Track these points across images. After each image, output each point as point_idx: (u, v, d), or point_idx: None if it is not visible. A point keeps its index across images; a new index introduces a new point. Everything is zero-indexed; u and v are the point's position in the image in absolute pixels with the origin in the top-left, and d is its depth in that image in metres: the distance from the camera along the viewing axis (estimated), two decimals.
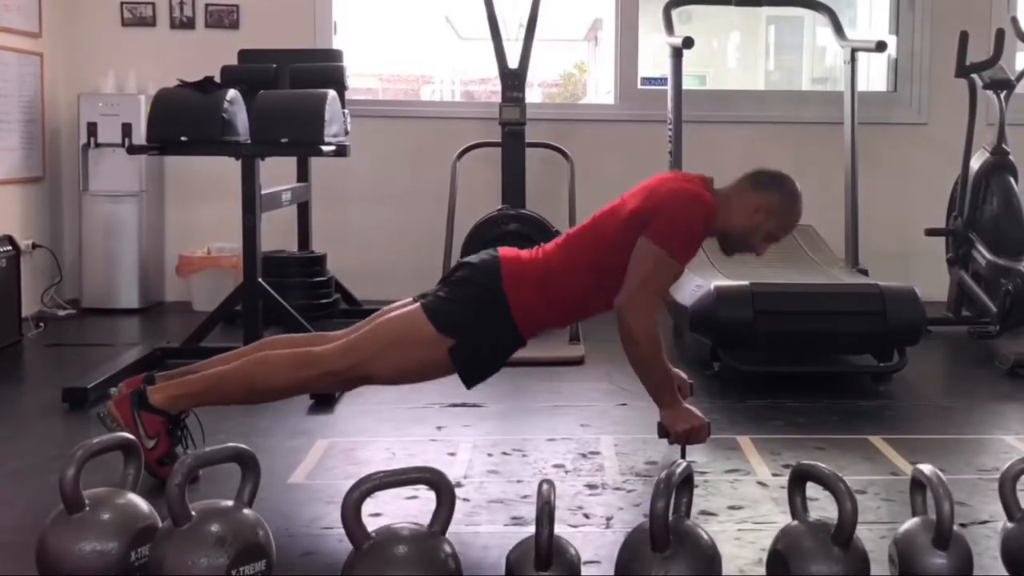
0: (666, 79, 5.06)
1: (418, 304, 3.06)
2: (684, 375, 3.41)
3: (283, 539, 2.36)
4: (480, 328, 3.02)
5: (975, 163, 5.37)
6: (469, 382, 3.10)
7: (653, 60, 6.50)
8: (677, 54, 4.92)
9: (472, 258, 3.18)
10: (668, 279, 3.15)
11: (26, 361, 4.73)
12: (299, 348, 3.08)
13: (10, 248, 4.92)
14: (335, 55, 5.68)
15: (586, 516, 2.77)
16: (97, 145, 5.72)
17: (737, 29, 8.47)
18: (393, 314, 3.10)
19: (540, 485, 2.14)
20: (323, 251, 5.69)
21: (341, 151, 4.85)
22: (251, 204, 4.44)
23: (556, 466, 3.19)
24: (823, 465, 2.26)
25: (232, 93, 4.41)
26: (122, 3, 6.09)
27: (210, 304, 5.05)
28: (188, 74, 4.58)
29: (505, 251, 3.16)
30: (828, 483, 2.21)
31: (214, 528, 2.12)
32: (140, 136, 5.40)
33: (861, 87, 5.33)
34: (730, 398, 4.02)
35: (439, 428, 3.59)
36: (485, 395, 3.93)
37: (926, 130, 6.35)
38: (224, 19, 6.11)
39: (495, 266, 3.08)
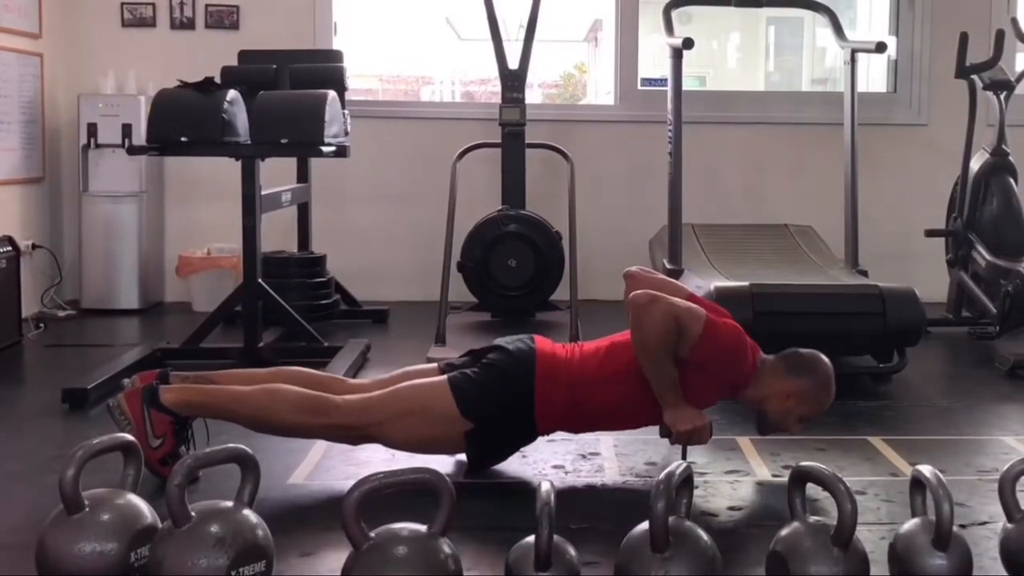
0: (666, 80, 5.05)
1: (445, 378, 3.02)
2: None
3: (282, 540, 2.36)
4: (501, 420, 2.99)
5: (975, 164, 5.37)
6: (477, 468, 3.08)
7: (653, 61, 6.51)
8: (677, 55, 4.91)
9: (508, 343, 3.10)
10: (689, 322, 2.95)
11: (26, 362, 4.73)
12: (315, 392, 3.02)
13: (10, 249, 4.92)
14: (335, 56, 5.68)
15: (586, 517, 2.77)
16: (97, 146, 5.72)
17: (737, 30, 8.48)
18: (417, 382, 3.05)
19: (540, 486, 2.14)
20: (323, 252, 5.68)
21: (341, 152, 4.85)
22: (251, 205, 4.45)
23: (556, 467, 3.19)
24: (823, 466, 2.27)
25: (232, 94, 4.41)
26: (122, 3, 6.09)
27: (210, 305, 5.06)
28: (188, 75, 4.58)
29: (542, 344, 3.09)
30: (828, 484, 2.21)
31: (214, 529, 2.12)
32: (140, 137, 5.40)
33: (861, 88, 5.33)
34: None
35: None
36: None
37: (926, 131, 6.35)
38: (224, 20, 6.12)
39: (530, 360, 3.02)
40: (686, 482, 2.24)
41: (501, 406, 2.98)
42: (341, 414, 2.96)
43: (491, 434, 3.00)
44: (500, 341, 3.12)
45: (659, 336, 2.90)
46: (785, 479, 2.39)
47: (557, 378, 3.01)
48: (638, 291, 2.97)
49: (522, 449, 3.30)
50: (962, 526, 2.59)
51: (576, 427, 3.16)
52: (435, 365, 3.16)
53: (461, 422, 2.95)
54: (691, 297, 3.15)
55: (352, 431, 2.99)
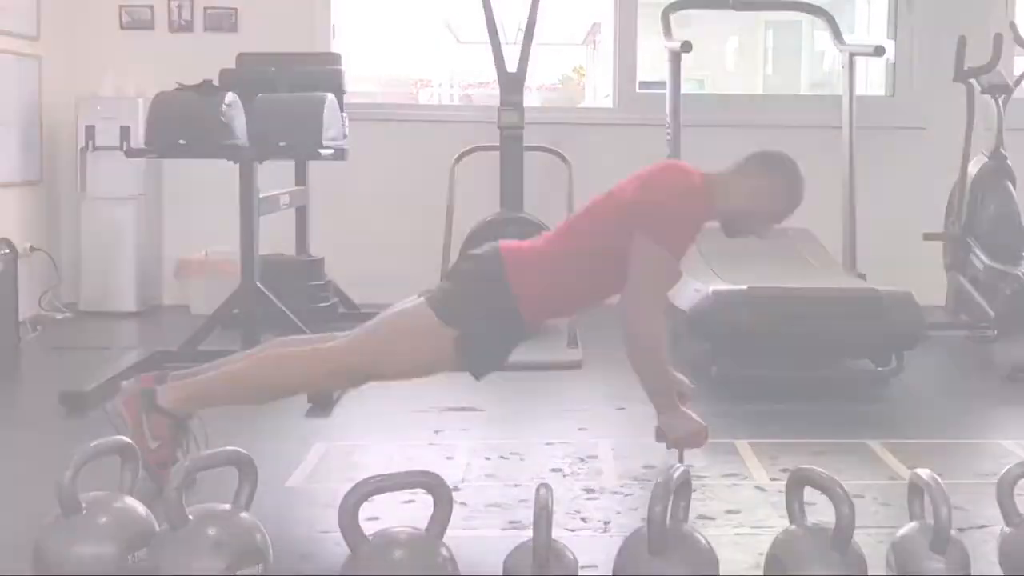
0: (664, 83, 5.06)
1: (422, 298, 3.06)
2: (686, 380, 3.39)
3: (280, 543, 2.36)
4: (485, 317, 3.00)
5: (973, 168, 5.37)
6: (477, 373, 3.08)
7: (651, 64, 6.51)
8: (675, 58, 4.92)
9: (475, 251, 3.18)
10: (670, 277, 3.08)
11: (24, 364, 4.73)
12: (307, 346, 3.07)
13: (8, 251, 4.91)
14: (334, 58, 5.68)
15: (583, 520, 2.77)
16: (95, 148, 5.71)
17: (735, 33, 8.50)
18: (396, 309, 3.09)
19: (538, 489, 2.14)
20: (321, 255, 5.68)
21: (339, 155, 4.85)
22: (249, 208, 4.44)
23: (554, 470, 3.19)
24: (821, 469, 2.26)
25: (230, 96, 4.41)
26: (121, 6, 6.09)
27: (208, 307, 5.04)
28: (187, 77, 4.57)
29: (506, 242, 3.16)
30: (826, 487, 2.20)
31: (211, 532, 2.12)
32: (138, 139, 5.39)
33: (859, 91, 5.33)
34: (728, 402, 4.01)
35: (437, 432, 3.58)
36: (483, 399, 3.93)
37: (924, 134, 6.34)
38: (223, 22, 6.11)
39: (497, 256, 3.06)
40: (684, 485, 2.24)
41: (480, 305, 3.00)
42: (333, 359, 2.98)
43: (479, 334, 2.99)
44: (468, 252, 3.22)
45: (653, 335, 2.97)
46: (783, 483, 2.38)
47: (528, 266, 3.04)
48: (622, 300, 2.99)
49: (520, 453, 3.31)
50: (960, 530, 2.59)
51: (564, 309, 3.22)
52: (415, 296, 3.17)
53: (446, 332, 2.95)
54: (630, 202, 3.07)
55: (348, 372, 3.02)
